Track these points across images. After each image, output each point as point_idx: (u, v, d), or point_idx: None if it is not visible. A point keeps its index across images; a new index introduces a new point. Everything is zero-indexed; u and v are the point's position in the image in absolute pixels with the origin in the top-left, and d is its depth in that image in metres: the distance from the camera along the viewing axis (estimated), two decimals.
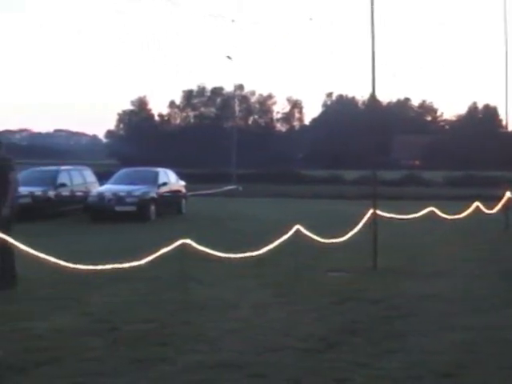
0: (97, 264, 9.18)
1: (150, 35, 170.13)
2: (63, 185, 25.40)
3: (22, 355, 6.98)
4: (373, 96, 14.13)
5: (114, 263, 9.49)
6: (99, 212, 23.51)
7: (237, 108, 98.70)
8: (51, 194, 24.41)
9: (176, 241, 10.08)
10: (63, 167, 27.63)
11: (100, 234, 19.36)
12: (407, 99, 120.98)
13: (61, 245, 14.77)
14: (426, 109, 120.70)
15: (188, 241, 9.70)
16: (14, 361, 6.77)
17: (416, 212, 18.49)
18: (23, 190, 23.34)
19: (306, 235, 12.91)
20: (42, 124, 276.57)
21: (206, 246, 10.84)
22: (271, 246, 12.08)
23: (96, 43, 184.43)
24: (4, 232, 9.26)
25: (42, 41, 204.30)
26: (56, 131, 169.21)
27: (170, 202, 25.99)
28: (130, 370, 6.60)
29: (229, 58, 58.73)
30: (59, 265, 8.13)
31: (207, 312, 9.18)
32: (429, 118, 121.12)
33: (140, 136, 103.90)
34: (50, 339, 7.68)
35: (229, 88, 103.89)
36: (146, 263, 9.55)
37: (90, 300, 9.85)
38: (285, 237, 12.34)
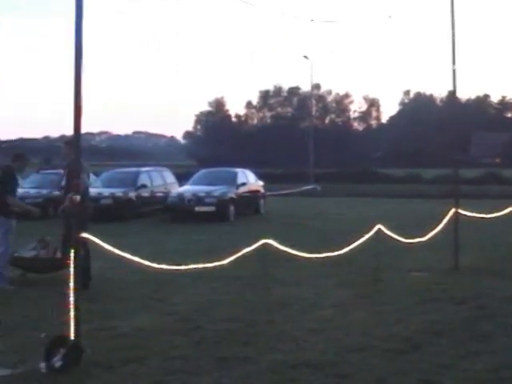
0: (179, 264, 9.26)
1: (226, 35, 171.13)
2: (144, 186, 25.80)
3: (108, 353, 7.11)
4: (453, 93, 13.85)
5: (195, 263, 9.56)
6: (179, 212, 23.78)
7: (313, 107, 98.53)
8: (132, 195, 24.83)
9: (256, 241, 10.12)
10: (143, 168, 28.07)
11: (180, 234, 19.56)
12: (486, 96, 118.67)
13: (142, 245, 15.01)
14: (506, 105, 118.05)
15: (269, 241, 9.72)
16: (101, 359, 6.90)
17: (498, 211, 18.10)
18: (104, 191, 23.86)
19: (386, 235, 12.78)
20: (121, 126, 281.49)
21: (286, 246, 10.85)
22: (352, 246, 12.00)
23: (174, 44, 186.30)
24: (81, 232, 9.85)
25: (120, 42, 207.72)
26: (135, 133, 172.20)
27: (249, 202, 26.07)
28: (214, 368, 6.67)
29: (306, 57, 58.58)
30: (142, 264, 8.22)
31: (289, 311, 9.20)
32: (509, 115, 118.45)
33: (217, 137, 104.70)
34: (134, 338, 7.81)
35: (305, 88, 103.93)
36: (229, 263, 9.60)
37: (174, 299, 9.98)
38: (366, 236, 12.24)
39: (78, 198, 6.66)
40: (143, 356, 7.05)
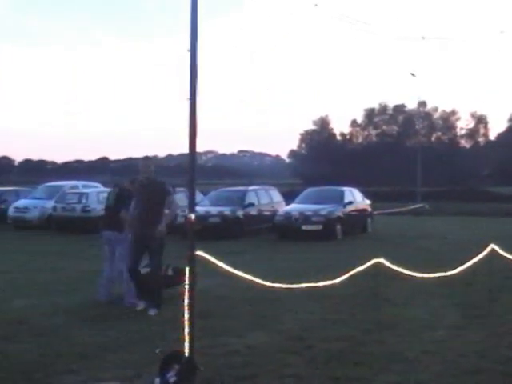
0: (290, 282, 9.27)
1: (329, 54, 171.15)
2: (251, 204, 25.98)
3: (220, 370, 7.16)
4: None
5: (305, 282, 9.55)
6: (286, 231, 23.83)
7: (419, 125, 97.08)
8: (239, 213, 25.05)
9: (364, 259, 10.00)
10: (251, 187, 28.29)
11: (288, 253, 19.58)
12: None
13: (251, 263, 15.08)
14: None
15: (381, 259, 9.61)
16: (213, 376, 6.95)
17: None
18: (212, 209, 24.16)
19: (501, 255, 12.41)
20: (227, 145, 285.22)
21: (397, 265, 10.69)
22: (464, 266, 11.70)
23: (278, 63, 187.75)
24: (159, 250, 10.60)
25: (222, 62, 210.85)
26: (240, 152, 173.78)
27: (356, 221, 25.88)
28: None
29: (412, 74, 57.82)
30: (253, 282, 8.26)
31: (401, 332, 9.05)
32: None
33: (322, 155, 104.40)
34: (246, 355, 7.84)
35: (411, 105, 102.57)
36: (340, 282, 9.54)
37: (284, 318, 9.97)
38: (479, 256, 11.92)
39: (192, 216, 6.75)
40: (255, 374, 7.06)
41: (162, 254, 10.67)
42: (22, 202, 30.37)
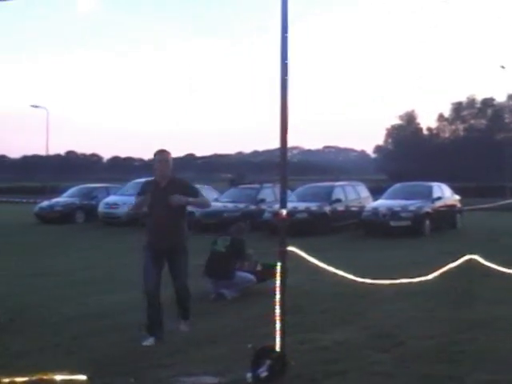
0: (380, 278, 9.20)
1: (416, 48, 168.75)
2: (338, 200, 25.88)
3: (310, 366, 7.16)
4: None
5: (393, 278, 9.47)
6: (374, 227, 23.64)
7: (509, 119, 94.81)
8: (327, 209, 24.99)
9: (456, 256, 9.86)
10: (338, 183, 28.18)
11: (375, 249, 19.42)
12: None
13: (338, 259, 14.99)
14: None
15: (475, 256, 9.44)
16: (303, 371, 6.94)
17: None
18: (299, 205, 24.16)
19: None
20: (312, 141, 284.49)
21: (490, 262, 10.48)
22: None
23: (362, 57, 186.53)
24: (185, 262, 8.75)
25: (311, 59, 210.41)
26: (325, 147, 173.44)
27: (445, 217, 25.45)
28: None
29: (502, 67, 56.63)
30: (341, 278, 8.26)
31: (494, 330, 8.84)
32: None
33: (408, 150, 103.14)
34: (335, 351, 7.81)
35: (500, 98, 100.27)
36: (432, 278, 9.41)
37: (373, 314, 9.90)
38: None
39: (284, 212, 6.77)
40: (345, 370, 7.03)
41: (188, 266, 8.82)
42: (111, 199, 30.99)
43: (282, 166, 6.74)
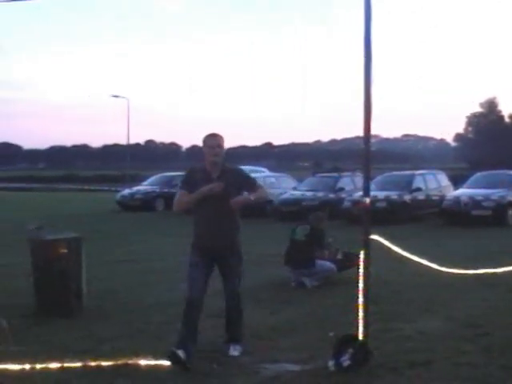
0: (461, 268, 9.03)
1: (497, 33, 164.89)
2: (418, 189, 25.56)
3: (393, 355, 7.12)
4: None
5: (476, 268, 9.28)
6: (454, 216, 23.26)
7: None
8: (407, 198, 24.73)
9: None
10: (418, 171, 27.83)
11: (456, 238, 19.10)
12: None
13: (418, 248, 14.79)
14: None
15: None
16: (386, 360, 6.91)
17: None
18: (379, 194, 23.98)
19: None
20: (391, 130, 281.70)
21: None
22: None
23: (442, 44, 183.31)
24: (239, 267, 7.42)
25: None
26: (404, 136, 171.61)
27: None
28: (505, 377, 6.44)
29: None
30: (423, 267, 8.16)
31: None
32: None
33: (489, 138, 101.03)
34: (418, 341, 7.75)
35: None
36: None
37: (456, 304, 9.77)
38: None
39: (367, 200, 6.74)
40: (429, 360, 6.96)
41: (242, 271, 7.50)
42: None
43: (366, 154, 6.69)
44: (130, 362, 6.92)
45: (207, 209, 7.12)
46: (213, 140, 7.21)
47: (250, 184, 7.34)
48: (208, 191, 7.00)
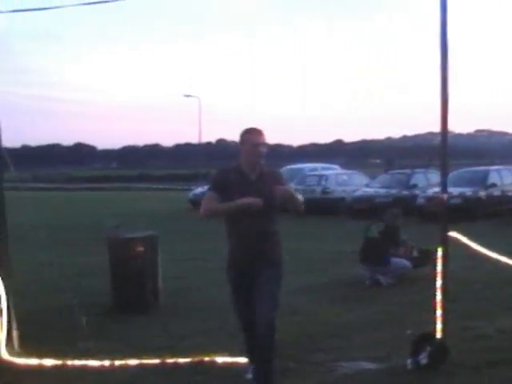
0: None
1: None
2: (493, 185, 25.06)
3: (472, 354, 6.99)
4: None
5: None
6: None
7: None
8: (481, 194, 24.29)
9: None
10: (493, 167, 27.30)
11: None
12: None
13: (493, 245, 14.55)
14: None
15: None
16: (464, 359, 6.80)
17: None
18: (453, 190, 23.58)
19: None
20: (464, 125, 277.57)
21: None
22: None
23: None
24: (279, 282, 6.11)
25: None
26: (477, 131, 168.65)
27: None
28: None
29: None
30: (500, 265, 8.01)
31: None
32: None
33: None
34: (498, 340, 7.62)
35: None
36: None
37: None
38: None
39: (445, 196, 6.64)
40: (509, 359, 6.81)
41: (280, 291, 6.07)
42: None
43: (443, 150, 6.61)
44: (206, 359, 6.97)
45: (247, 219, 5.87)
46: (258, 137, 6.01)
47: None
48: (246, 206, 5.79)
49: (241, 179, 5.97)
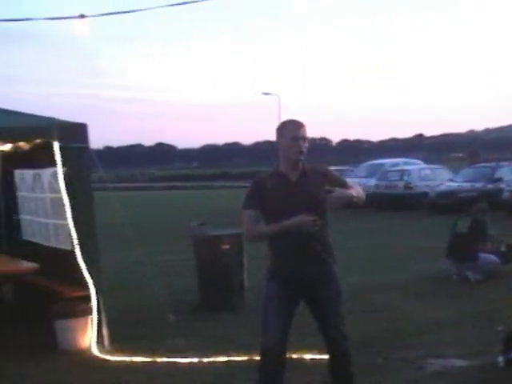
0: None
1: None
2: None
3: None
4: None
5: None
6: None
7: None
8: None
9: None
10: None
11: None
12: None
13: None
14: None
15: None
16: None
17: None
18: None
19: None
20: None
21: None
22: None
23: None
24: (340, 299, 5.24)
25: None
26: None
27: None
28: None
29: None
30: None
31: None
32: None
33: None
34: None
35: None
36: None
37: None
38: None
39: None
40: None
41: (343, 304, 5.26)
42: None
43: None
44: (294, 355, 6.95)
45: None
46: (297, 130, 5.12)
47: (342, 182, 5.25)
48: (294, 227, 4.91)
49: (280, 183, 5.10)
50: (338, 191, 4.97)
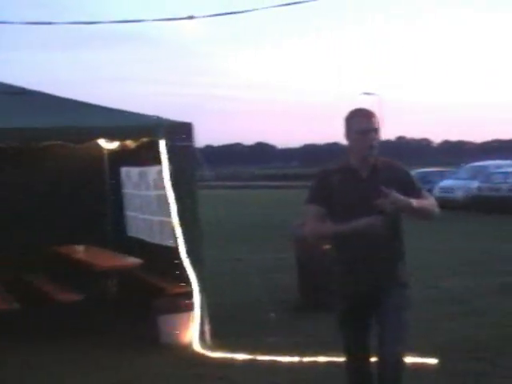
0: None
1: None
2: None
3: None
4: None
5: None
6: None
7: None
8: None
9: None
10: None
11: None
12: None
13: None
14: None
15: None
16: None
17: None
18: None
19: None
20: None
21: None
22: None
23: None
24: (407, 310, 4.66)
25: None
26: None
27: None
28: None
29: None
30: None
31: None
32: None
33: None
34: None
35: None
36: None
37: None
38: None
39: None
40: None
41: (408, 319, 4.69)
42: (446, 183, 30.74)
43: None
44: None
45: (359, 234, 4.49)
46: (366, 121, 4.61)
47: (415, 188, 4.67)
48: (363, 228, 4.45)
49: (348, 178, 4.64)
50: (393, 195, 4.36)
